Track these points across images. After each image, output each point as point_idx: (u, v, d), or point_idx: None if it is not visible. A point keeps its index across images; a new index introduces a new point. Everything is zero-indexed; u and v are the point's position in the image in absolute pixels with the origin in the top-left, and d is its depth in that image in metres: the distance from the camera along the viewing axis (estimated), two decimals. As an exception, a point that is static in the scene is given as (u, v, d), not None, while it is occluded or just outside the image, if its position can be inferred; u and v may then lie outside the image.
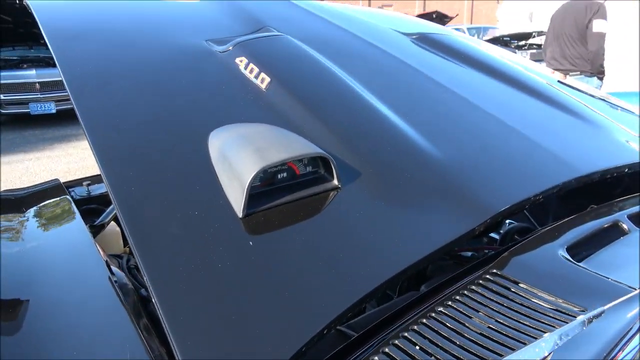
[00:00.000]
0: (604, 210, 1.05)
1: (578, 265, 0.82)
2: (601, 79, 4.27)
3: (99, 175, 1.78)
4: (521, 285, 0.77)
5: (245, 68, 1.19)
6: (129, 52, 1.25)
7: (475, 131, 1.15)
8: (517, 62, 1.74)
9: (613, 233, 0.97)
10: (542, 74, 1.67)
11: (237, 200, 0.79)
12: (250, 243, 0.76)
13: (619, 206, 1.07)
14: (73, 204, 1.32)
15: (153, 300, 0.65)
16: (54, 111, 7.65)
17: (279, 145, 0.86)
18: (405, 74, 1.36)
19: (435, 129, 1.10)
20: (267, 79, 1.15)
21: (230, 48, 1.27)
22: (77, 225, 1.15)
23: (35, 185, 1.65)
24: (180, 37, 1.35)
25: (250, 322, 0.65)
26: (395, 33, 1.72)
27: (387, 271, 0.75)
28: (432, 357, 0.64)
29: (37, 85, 7.44)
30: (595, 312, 0.63)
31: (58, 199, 1.45)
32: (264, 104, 1.09)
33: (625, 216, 1.00)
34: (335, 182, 0.88)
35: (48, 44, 1.15)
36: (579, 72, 4.17)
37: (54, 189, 1.57)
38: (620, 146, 1.26)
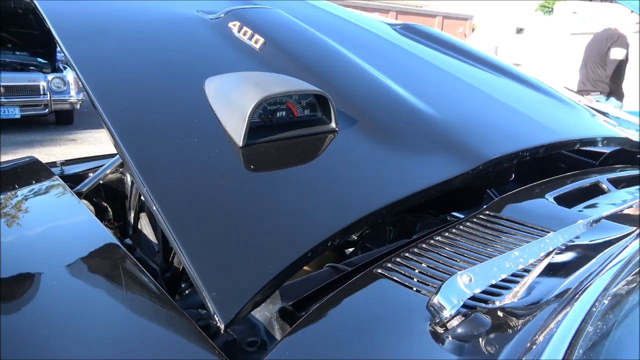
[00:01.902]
0: (585, 173, 1.09)
1: (568, 209, 0.85)
2: (620, 99, 4.81)
3: (67, 160, 1.73)
4: (515, 221, 0.79)
5: (239, 31, 1.20)
6: (126, 21, 1.24)
7: (465, 99, 1.18)
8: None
9: (594, 191, 1.01)
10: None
11: (238, 131, 0.79)
12: (252, 167, 0.76)
13: (599, 171, 1.13)
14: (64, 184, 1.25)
15: (162, 222, 0.62)
16: (18, 116, 7.40)
17: (279, 83, 0.86)
18: (395, 50, 1.40)
19: (428, 93, 1.13)
20: (261, 40, 1.16)
21: (222, 15, 1.28)
22: (79, 209, 1.06)
23: (9, 161, 1.57)
24: (171, 8, 1.36)
25: (249, 235, 0.64)
26: (379, 22, 1.77)
27: (381, 201, 0.75)
28: (434, 270, 0.64)
29: (2, 89, 7.21)
30: (595, 217, 0.65)
31: (49, 180, 1.34)
32: (258, 62, 1.10)
33: (605, 179, 1.05)
34: (333, 124, 0.89)
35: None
36: (598, 93, 4.71)
37: (34, 166, 1.49)
38: (594, 123, 1.33)
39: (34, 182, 1.23)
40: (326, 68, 1.11)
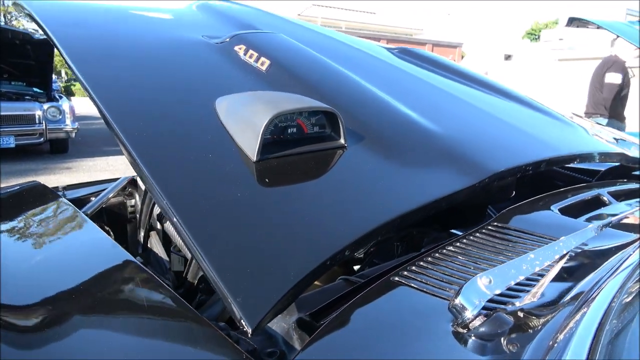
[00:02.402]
0: (586, 187, 1.12)
1: (574, 219, 0.87)
2: (622, 121, 4.99)
3: (67, 185, 1.73)
4: (524, 231, 0.81)
5: (245, 54, 1.24)
6: (134, 43, 1.27)
7: (467, 117, 1.21)
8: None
9: (596, 203, 1.03)
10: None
11: (251, 146, 0.80)
12: (266, 180, 0.77)
13: (599, 185, 1.15)
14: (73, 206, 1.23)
15: (183, 232, 0.63)
16: (13, 145, 7.40)
17: (289, 101, 0.89)
18: (395, 71, 1.44)
19: (431, 111, 1.17)
20: (267, 62, 1.19)
21: (228, 39, 1.31)
22: (91, 229, 1.00)
23: (13, 186, 1.56)
24: (176, 33, 1.40)
25: (269, 244, 0.65)
26: (377, 46, 1.82)
27: (394, 212, 0.77)
28: (450, 277, 0.65)
29: (-3, 119, 7.23)
30: (605, 221, 0.67)
31: (56, 203, 1.30)
32: (265, 82, 1.13)
33: (606, 192, 1.07)
34: (342, 140, 0.91)
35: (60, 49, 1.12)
36: (599, 115, 4.89)
37: (38, 191, 1.47)
38: (592, 139, 1.36)
39: (41, 205, 1.23)
40: (332, 88, 1.14)
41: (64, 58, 1.05)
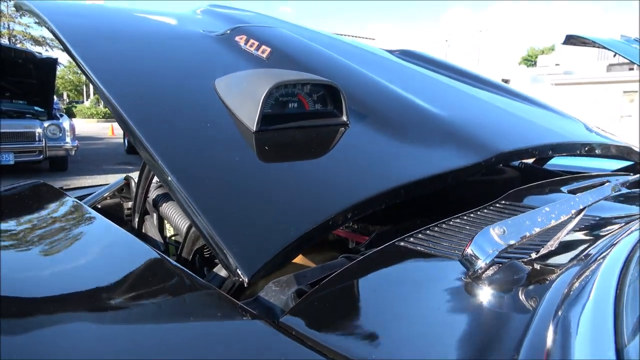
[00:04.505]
0: (593, 176, 1.09)
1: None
2: None
3: (65, 187, 1.70)
4: (534, 208, 0.78)
5: (246, 43, 1.23)
6: (138, 32, 1.27)
7: (473, 107, 1.20)
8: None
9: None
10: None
11: (251, 116, 0.78)
12: (266, 148, 0.75)
13: (604, 175, 1.13)
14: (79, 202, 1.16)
15: (179, 191, 0.59)
16: (12, 162, 7.38)
17: (290, 74, 0.87)
18: (398, 67, 1.43)
19: (437, 99, 1.15)
20: (268, 50, 1.18)
21: (228, 31, 1.31)
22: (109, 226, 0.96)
23: (16, 185, 1.50)
24: (177, 28, 1.40)
25: (269, 203, 0.62)
26: (378, 48, 1.82)
27: (399, 180, 0.74)
28: (458, 245, 0.62)
29: (-2, 137, 7.24)
30: (621, 180, 0.64)
31: (62, 199, 1.23)
32: (266, 68, 1.11)
33: (614, 179, 1.05)
34: (344, 118, 0.89)
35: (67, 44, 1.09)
36: None
37: (43, 188, 1.39)
38: (598, 133, 1.34)
39: (49, 202, 1.16)
40: (334, 74, 1.13)
41: (61, 42, 1.03)
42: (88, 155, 9.99)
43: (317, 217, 0.60)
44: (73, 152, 8.05)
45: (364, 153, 0.82)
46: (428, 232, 0.67)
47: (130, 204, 1.76)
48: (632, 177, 1.17)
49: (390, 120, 0.95)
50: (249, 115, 0.79)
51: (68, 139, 7.82)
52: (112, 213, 1.64)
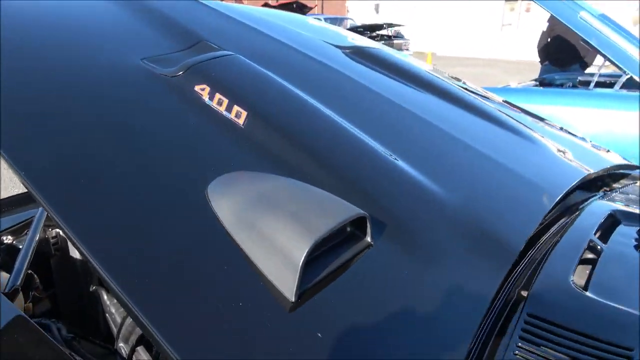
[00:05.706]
0: None
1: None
2: None
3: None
4: None
5: (211, 99, 1.02)
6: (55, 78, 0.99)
7: (467, 169, 1.13)
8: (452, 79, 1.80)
9: None
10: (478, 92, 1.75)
11: (286, 282, 0.66)
12: (319, 335, 0.65)
13: None
14: None
15: None
16: None
17: (317, 209, 0.74)
18: (367, 95, 1.30)
19: (429, 164, 1.07)
20: (244, 113, 0.99)
21: (181, 73, 1.07)
22: None
23: None
24: (109, 55, 1.12)
25: None
26: (328, 45, 1.65)
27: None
28: None
29: None
30: None
31: None
32: (248, 144, 0.95)
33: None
34: (368, 239, 0.79)
35: None
36: None
37: None
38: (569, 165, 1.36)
39: None
40: (323, 148, 0.99)
41: None
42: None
43: None
44: None
45: (401, 299, 0.74)
46: None
47: (54, 232, 1.53)
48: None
49: (406, 230, 0.86)
50: (282, 280, 0.67)
51: None
52: (41, 252, 1.43)
